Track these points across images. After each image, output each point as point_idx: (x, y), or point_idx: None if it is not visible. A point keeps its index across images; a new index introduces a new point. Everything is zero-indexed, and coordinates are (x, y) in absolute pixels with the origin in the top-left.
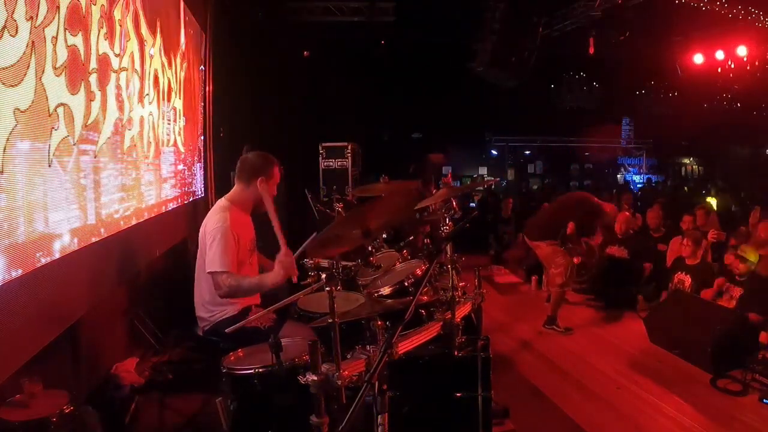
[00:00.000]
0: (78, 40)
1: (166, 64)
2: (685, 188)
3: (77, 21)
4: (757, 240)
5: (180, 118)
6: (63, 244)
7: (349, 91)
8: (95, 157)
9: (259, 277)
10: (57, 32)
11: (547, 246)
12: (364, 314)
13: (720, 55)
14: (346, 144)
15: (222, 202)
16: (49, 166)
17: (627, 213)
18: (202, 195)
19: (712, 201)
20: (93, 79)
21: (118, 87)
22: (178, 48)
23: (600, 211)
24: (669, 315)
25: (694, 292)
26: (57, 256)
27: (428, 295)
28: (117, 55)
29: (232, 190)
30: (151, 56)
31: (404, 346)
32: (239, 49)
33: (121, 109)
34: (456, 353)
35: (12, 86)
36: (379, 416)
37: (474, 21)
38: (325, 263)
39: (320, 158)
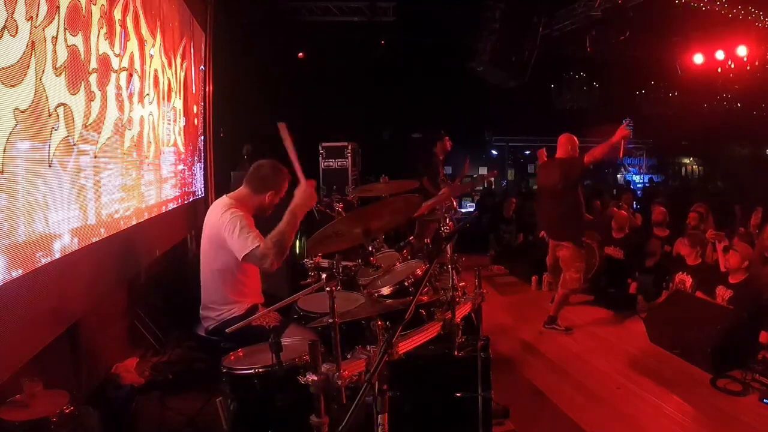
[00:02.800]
0: (78, 40)
1: (166, 64)
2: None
3: (77, 21)
4: (765, 245)
5: (180, 118)
6: (63, 244)
7: (349, 91)
8: (95, 157)
9: (285, 217)
10: (57, 32)
11: (572, 247)
12: (364, 314)
13: (720, 55)
14: (346, 144)
15: (225, 199)
16: (49, 166)
17: (624, 212)
18: (202, 195)
19: None
20: (93, 79)
21: (118, 87)
22: (178, 48)
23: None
24: (669, 315)
25: (694, 292)
26: (57, 256)
27: (428, 295)
28: (117, 55)
29: (237, 191)
30: (151, 56)
31: (404, 346)
32: (239, 49)
33: (121, 109)
34: (456, 353)
35: (12, 86)
36: (379, 416)
37: (474, 21)
38: (325, 263)
39: (320, 158)
